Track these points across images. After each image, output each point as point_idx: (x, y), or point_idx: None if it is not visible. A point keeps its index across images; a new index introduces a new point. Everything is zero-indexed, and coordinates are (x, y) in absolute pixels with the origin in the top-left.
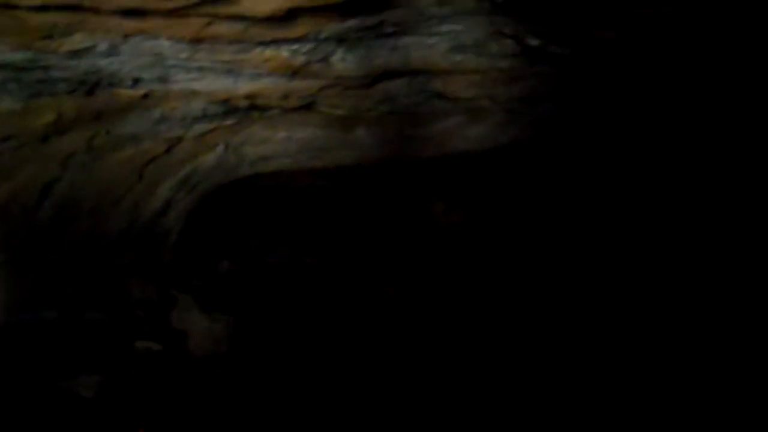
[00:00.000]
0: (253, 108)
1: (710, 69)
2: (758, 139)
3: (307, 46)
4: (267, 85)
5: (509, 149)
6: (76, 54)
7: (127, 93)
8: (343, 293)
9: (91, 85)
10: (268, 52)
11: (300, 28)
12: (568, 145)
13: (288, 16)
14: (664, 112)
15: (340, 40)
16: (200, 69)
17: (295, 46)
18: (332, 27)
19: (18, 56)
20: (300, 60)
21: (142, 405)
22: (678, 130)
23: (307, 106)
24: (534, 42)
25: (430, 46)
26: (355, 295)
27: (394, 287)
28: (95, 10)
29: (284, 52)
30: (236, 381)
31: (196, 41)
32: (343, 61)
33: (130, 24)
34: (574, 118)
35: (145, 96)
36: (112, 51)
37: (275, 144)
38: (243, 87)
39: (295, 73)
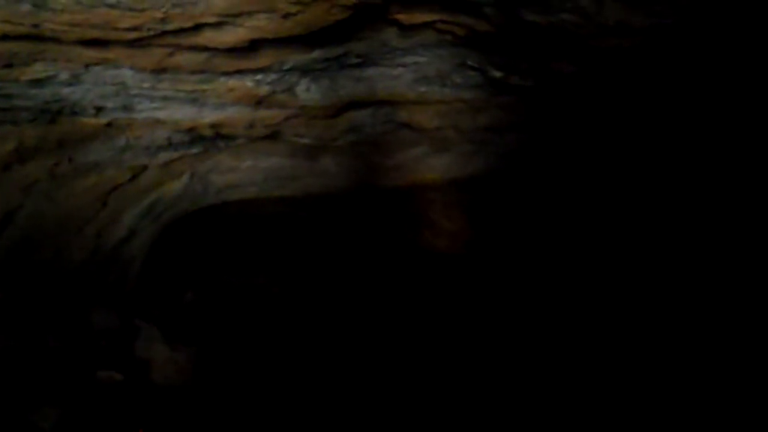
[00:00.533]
0: (218, 137)
1: (676, 92)
2: (720, 158)
3: (271, 77)
4: (232, 115)
5: (477, 177)
6: (37, 83)
7: (90, 121)
8: (311, 322)
9: (53, 113)
10: (232, 82)
11: (263, 59)
12: (538, 172)
13: (251, 47)
14: (637, 135)
15: (305, 70)
16: (164, 98)
17: (259, 77)
18: (296, 58)
19: None
20: (264, 90)
21: None
22: (651, 150)
23: (273, 136)
24: (497, 74)
25: (395, 77)
26: (325, 324)
27: (363, 313)
28: (56, 41)
29: (248, 82)
30: (198, 411)
31: (159, 71)
32: (308, 91)
33: (91, 54)
34: (541, 147)
35: (109, 124)
36: (74, 80)
37: (241, 172)
38: (208, 116)
39: (259, 102)
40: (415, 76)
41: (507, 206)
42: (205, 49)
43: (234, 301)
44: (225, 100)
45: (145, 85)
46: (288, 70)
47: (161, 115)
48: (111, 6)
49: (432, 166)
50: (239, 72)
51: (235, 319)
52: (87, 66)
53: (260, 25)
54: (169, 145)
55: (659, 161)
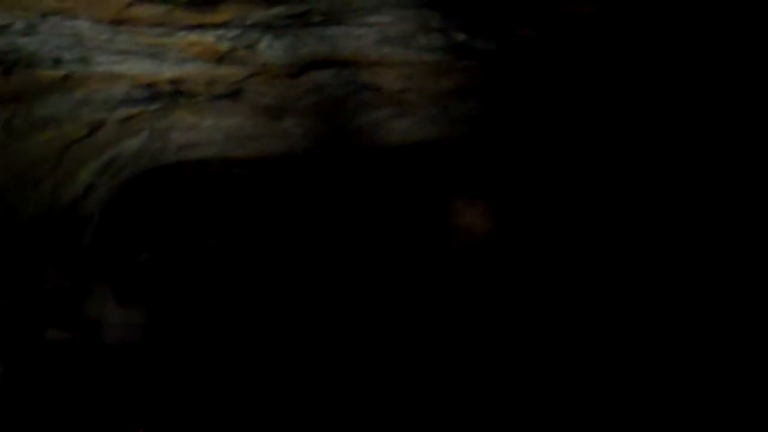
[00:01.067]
0: (178, 93)
1: (645, 66)
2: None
3: (233, 32)
4: (192, 71)
5: (439, 142)
6: None
7: (47, 74)
8: (265, 286)
9: (8, 64)
10: (192, 36)
11: (224, 14)
12: (502, 137)
13: (212, 1)
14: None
15: (267, 27)
16: (122, 51)
17: (220, 32)
18: (258, 14)
19: None
20: (225, 46)
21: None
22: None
23: (234, 94)
24: (460, 37)
25: (358, 37)
26: (280, 286)
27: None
28: None
29: (209, 37)
30: (148, 370)
31: (117, 23)
32: (270, 49)
33: (48, 3)
34: (505, 112)
35: (66, 77)
36: (30, 30)
37: (202, 131)
38: (167, 71)
39: (220, 59)
40: (379, 36)
41: (473, 170)
42: (163, 1)
43: (189, 262)
44: (185, 56)
45: (103, 37)
46: (250, 26)
47: (120, 69)
48: None
49: (395, 129)
50: (200, 27)
51: (190, 280)
52: (44, 16)
53: None
54: (128, 100)
55: (625, 132)
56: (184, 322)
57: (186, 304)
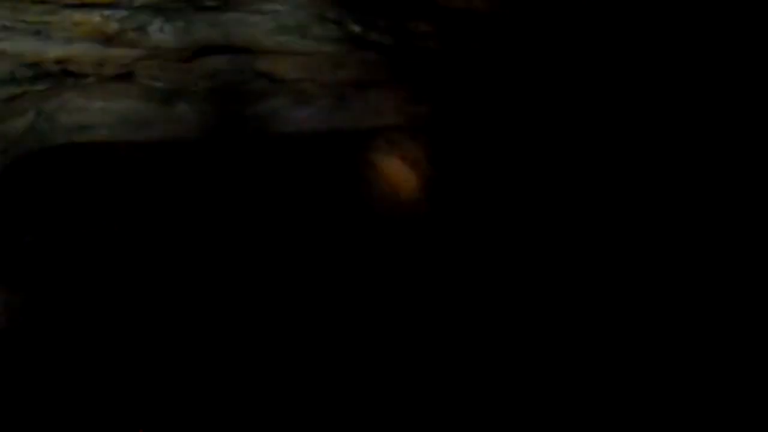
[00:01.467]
0: (66, 74)
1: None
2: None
3: (121, 13)
4: (79, 51)
5: (338, 134)
6: None
7: None
8: (156, 267)
9: None
10: (78, 15)
11: None
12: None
13: None
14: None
15: (157, 9)
16: (5, 28)
17: (107, 12)
18: None
19: None
20: (114, 27)
21: None
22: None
23: (125, 77)
24: (356, 29)
25: (253, 24)
26: (169, 270)
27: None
28: None
29: (96, 17)
30: (28, 356)
31: None
32: (161, 32)
33: None
34: (404, 104)
35: None
36: None
37: (92, 113)
38: (53, 51)
39: (109, 40)
40: (274, 24)
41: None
42: None
43: (77, 245)
44: (72, 35)
45: None
46: (139, 8)
47: (2, 46)
48: None
49: (292, 119)
50: (86, 6)
51: (78, 263)
52: None
53: None
54: (12, 79)
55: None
56: (68, 308)
57: (71, 288)
